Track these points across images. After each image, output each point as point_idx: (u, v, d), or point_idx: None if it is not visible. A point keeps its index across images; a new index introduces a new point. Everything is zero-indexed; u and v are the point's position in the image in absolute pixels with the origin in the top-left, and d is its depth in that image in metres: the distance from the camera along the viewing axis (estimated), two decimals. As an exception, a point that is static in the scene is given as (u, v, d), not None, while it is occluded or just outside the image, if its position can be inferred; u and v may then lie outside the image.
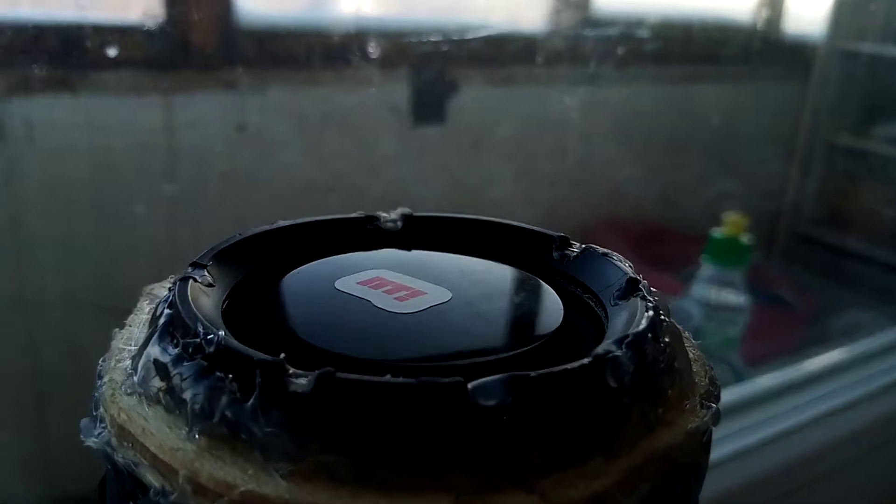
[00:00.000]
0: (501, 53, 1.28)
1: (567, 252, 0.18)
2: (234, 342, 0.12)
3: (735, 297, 0.74)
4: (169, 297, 0.14)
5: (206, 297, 0.14)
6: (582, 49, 1.35)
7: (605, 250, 0.17)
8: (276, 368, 0.11)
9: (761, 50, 1.58)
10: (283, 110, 1.08)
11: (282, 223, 0.18)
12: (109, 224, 0.98)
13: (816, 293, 1.41)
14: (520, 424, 0.11)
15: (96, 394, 0.13)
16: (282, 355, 0.12)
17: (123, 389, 0.13)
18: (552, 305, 0.16)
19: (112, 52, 0.96)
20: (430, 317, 0.15)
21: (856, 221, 1.73)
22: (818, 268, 1.69)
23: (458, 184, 1.27)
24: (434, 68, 1.23)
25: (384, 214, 0.19)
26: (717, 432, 0.47)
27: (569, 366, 0.12)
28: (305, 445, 0.11)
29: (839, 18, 1.63)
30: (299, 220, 0.18)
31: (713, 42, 1.52)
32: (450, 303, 0.15)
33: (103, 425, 0.12)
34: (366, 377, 0.11)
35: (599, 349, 0.13)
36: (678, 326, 0.16)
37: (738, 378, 0.71)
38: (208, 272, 0.15)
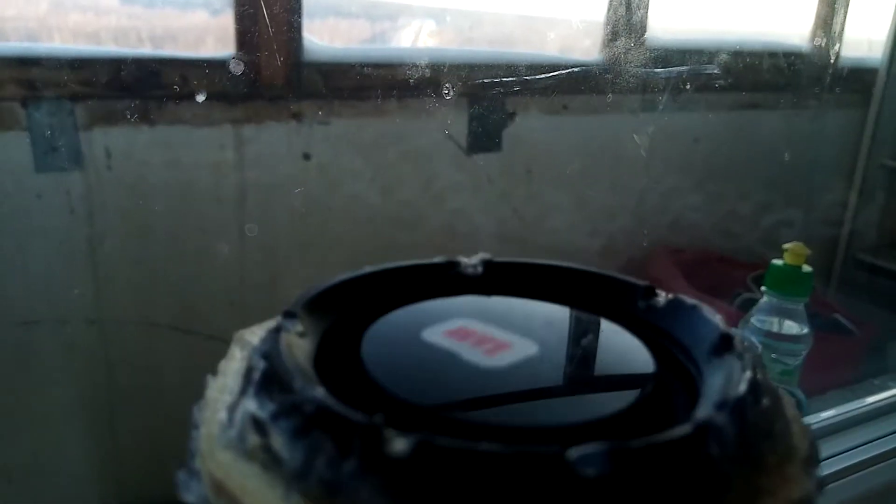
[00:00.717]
0: (556, 83, 1.27)
1: (653, 302, 0.17)
2: (332, 402, 0.12)
3: (797, 328, 0.71)
4: (263, 348, 0.14)
5: (299, 349, 0.14)
6: (635, 77, 1.34)
7: (694, 301, 0.16)
8: (375, 431, 0.11)
9: (819, 76, 1.54)
10: (346, 140, 1.10)
11: (367, 269, 0.18)
12: (182, 248, 1.01)
13: (876, 320, 1.35)
14: (621, 495, 0.11)
15: (192, 445, 0.13)
16: (380, 417, 0.11)
17: (220, 444, 0.13)
18: (642, 359, 0.15)
19: (188, 86, 0.99)
20: (520, 372, 0.14)
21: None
22: (877, 294, 1.63)
23: (517, 213, 1.26)
24: (490, 98, 1.23)
25: (465, 260, 0.19)
26: None
27: (670, 435, 0.11)
28: (405, 510, 0.11)
29: (897, 43, 1.58)
30: (383, 266, 0.18)
31: (771, 69, 1.49)
32: (537, 356, 0.15)
33: (199, 481, 0.12)
34: (464, 444, 0.11)
35: (700, 416, 0.12)
36: (774, 385, 0.15)
37: (801, 409, 0.69)
38: (300, 321, 0.15)
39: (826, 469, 0.54)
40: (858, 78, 1.61)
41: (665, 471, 0.11)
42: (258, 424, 0.12)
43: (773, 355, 0.71)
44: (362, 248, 1.11)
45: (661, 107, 1.39)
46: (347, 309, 0.16)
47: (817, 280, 1.45)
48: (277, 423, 0.12)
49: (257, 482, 0.12)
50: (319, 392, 0.12)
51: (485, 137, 1.23)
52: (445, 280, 0.18)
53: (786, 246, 0.71)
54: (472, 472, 0.11)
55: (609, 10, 1.30)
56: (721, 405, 0.12)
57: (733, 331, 0.16)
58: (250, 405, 0.13)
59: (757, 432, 0.13)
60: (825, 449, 0.56)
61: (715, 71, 1.41)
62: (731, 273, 1.38)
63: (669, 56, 1.36)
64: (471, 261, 0.19)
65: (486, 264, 0.19)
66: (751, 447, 0.12)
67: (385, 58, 1.16)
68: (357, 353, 0.15)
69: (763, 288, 0.72)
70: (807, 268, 0.70)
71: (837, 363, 1.14)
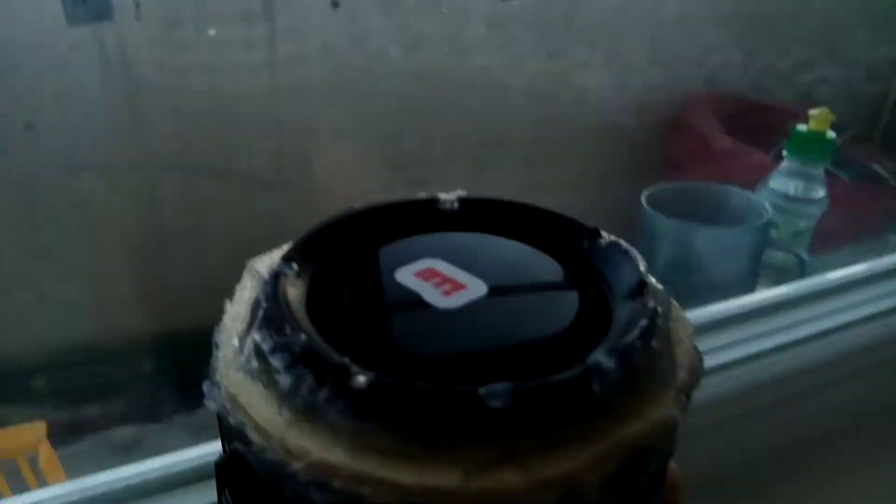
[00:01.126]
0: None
1: (596, 243, 0.20)
2: (314, 343, 0.16)
3: (813, 191, 0.73)
4: (266, 290, 0.18)
5: (293, 290, 0.18)
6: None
7: (629, 247, 0.20)
8: (343, 369, 0.15)
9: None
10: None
11: (354, 208, 0.21)
12: (217, 94, 1.03)
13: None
14: (517, 420, 0.15)
15: (213, 363, 0.18)
16: (347, 359, 0.16)
17: (234, 366, 0.17)
18: (570, 302, 0.19)
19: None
20: (467, 313, 0.18)
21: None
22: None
23: (545, 71, 1.25)
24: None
25: (444, 196, 0.22)
26: (779, 321, 0.49)
27: (561, 376, 0.15)
28: (362, 427, 0.15)
29: None
30: (369, 206, 0.21)
31: None
32: (485, 298, 0.19)
33: (219, 392, 0.17)
34: (405, 383, 0.15)
35: (590, 359, 0.16)
36: (674, 322, 0.18)
37: (803, 271, 0.72)
38: (295, 264, 0.19)
39: (818, 326, 0.58)
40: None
41: (553, 404, 0.15)
42: (260, 353, 0.17)
43: (787, 216, 0.74)
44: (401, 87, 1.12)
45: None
46: (336, 249, 0.20)
47: (863, 130, 1.41)
48: (274, 355, 0.16)
49: (259, 398, 0.16)
50: (304, 336, 0.16)
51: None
52: (425, 216, 0.22)
53: (812, 112, 0.71)
54: (411, 403, 0.15)
55: None
56: (610, 350, 0.16)
57: (650, 277, 0.19)
58: (256, 337, 0.17)
59: (640, 371, 0.16)
60: (818, 308, 0.60)
61: None
62: (770, 120, 1.36)
63: None
64: (448, 197, 0.22)
65: (462, 201, 0.22)
66: (632, 383, 0.16)
67: None
68: (339, 296, 0.19)
69: (784, 152, 0.73)
70: (830, 134, 0.71)
71: (868, 213, 1.14)
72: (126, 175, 1.03)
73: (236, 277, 0.20)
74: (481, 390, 0.15)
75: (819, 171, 0.73)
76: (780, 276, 0.76)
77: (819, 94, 0.75)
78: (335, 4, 1.07)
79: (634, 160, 1.34)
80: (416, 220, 0.22)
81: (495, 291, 0.19)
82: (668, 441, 0.17)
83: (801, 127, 0.72)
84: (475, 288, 0.19)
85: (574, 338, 0.18)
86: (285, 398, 0.16)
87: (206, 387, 0.17)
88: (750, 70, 1.43)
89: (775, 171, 0.75)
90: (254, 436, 0.16)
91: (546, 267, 0.20)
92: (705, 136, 1.37)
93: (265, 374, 0.16)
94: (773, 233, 0.75)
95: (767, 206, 0.72)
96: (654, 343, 0.17)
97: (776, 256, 0.77)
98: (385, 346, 0.18)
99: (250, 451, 0.16)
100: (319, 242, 0.20)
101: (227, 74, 1.02)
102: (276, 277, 0.18)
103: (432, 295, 0.18)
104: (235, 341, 0.18)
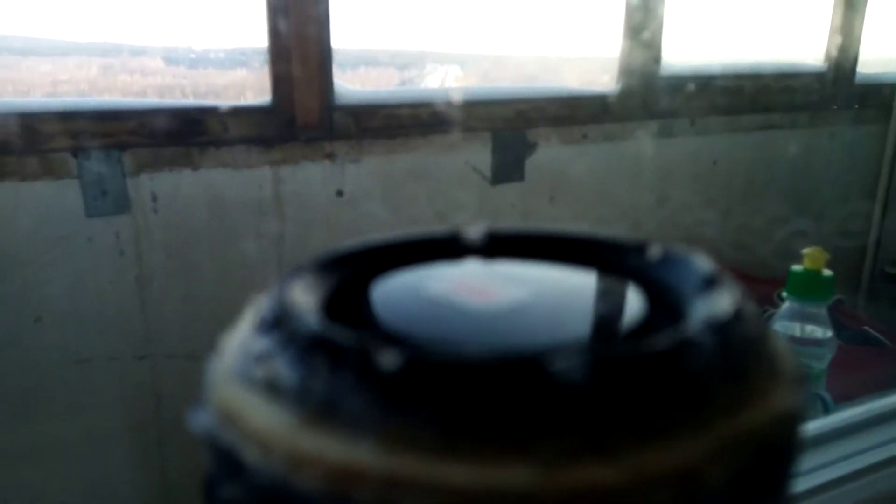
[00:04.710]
0: (576, 114, 1.28)
1: (647, 255, 0.17)
2: (326, 327, 0.12)
3: (820, 332, 0.69)
4: (272, 295, 0.14)
5: (305, 296, 0.14)
6: (654, 104, 1.34)
7: (687, 251, 0.16)
8: (364, 352, 0.11)
9: (836, 93, 1.52)
10: (377, 176, 1.11)
11: (374, 238, 0.18)
12: (226, 284, 1.02)
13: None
14: (601, 401, 0.11)
15: (204, 386, 0.14)
16: (368, 337, 0.12)
17: (229, 378, 0.13)
18: (635, 301, 0.15)
19: (228, 132, 1.02)
20: (511, 312, 0.14)
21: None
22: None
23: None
24: (513, 131, 1.24)
25: (469, 228, 0.19)
26: (805, 462, 0.43)
27: (651, 347, 0.11)
28: (395, 420, 0.11)
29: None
30: (389, 236, 0.18)
31: (786, 89, 1.48)
32: (530, 300, 0.15)
33: (209, 411, 0.13)
34: (448, 357, 0.11)
35: (681, 332, 0.12)
36: (763, 317, 0.15)
37: (827, 410, 0.66)
38: (309, 277, 0.15)
39: (850, 467, 0.52)
40: (877, 93, 1.59)
41: (644, 382, 0.11)
42: (260, 357, 0.13)
43: (798, 359, 0.70)
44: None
45: (678, 132, 1.38)
46: (354, 270, 0.17)
47: (846, 294, 1.40)
48: (278, 354, 0.12)
49: (261, 407, 0.12)
50: (315, 321, 0.12)
51: (508, 168, 1.23)
52: (450, 248, 0.19)
53: (805, 251, 0.69)
54: (461, 381, 0.11)
55: (623, 42, 1.31)
56: (704, 323, 0.12)
57: (722, 272, 0.15)
58: (254, 342, 0.13)
59: (739, 350, 0.12)
60: (849, 446, 0.54)
61: (731, 94, 1.40)
62: (755, 289, 1.35)
63: (684, 83, 1.36)
64: (474, 229, 0.19)
65: (488, 233, 0.19)
66: (733, 363, 0.12)
67: (411, 98, 1.18)
68: (358, 303, 0.15)
69: (784, 294, 0.70)
70: (827, 272, 0.69)
71: (869, 373, 1.10)
72: (132, 365, 0.98)
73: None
74: (552, 361, 0.11)
75: (822, 311, 0.70)
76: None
77: (793, 250, 0.74)
78: (340, 193, 1.09)
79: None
80: (441, 249, 0.18)
81: (541, 295, 0.15)
82: (795, 440, 0.12)
83: (797, 267, 0.70)
84: (515, 294, 0.15)
85: (647, 329, 0.14)
86: (294, 401, 0.12)
87: (190, 413, 0.13)
88: (734, 236, 1.44)
89: (777, 314, 0.72)
90: (251, 451, 0.11)
91: (597, 279, 0.17)
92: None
93: (269, 380, 0.12)
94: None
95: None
96: (749, 325, 0.13)
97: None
98: (412, 337, 0.13)
99: (246, 471, 0.11)
100: (336, 263, 0.16)
101: (237, 263, 1.02)
102: (284, 282, 0.14)
103: (466, 299, 0.15)
104: (231, 357, 0.14)
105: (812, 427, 0.56)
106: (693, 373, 0.12)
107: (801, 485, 0.50)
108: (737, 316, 0.13)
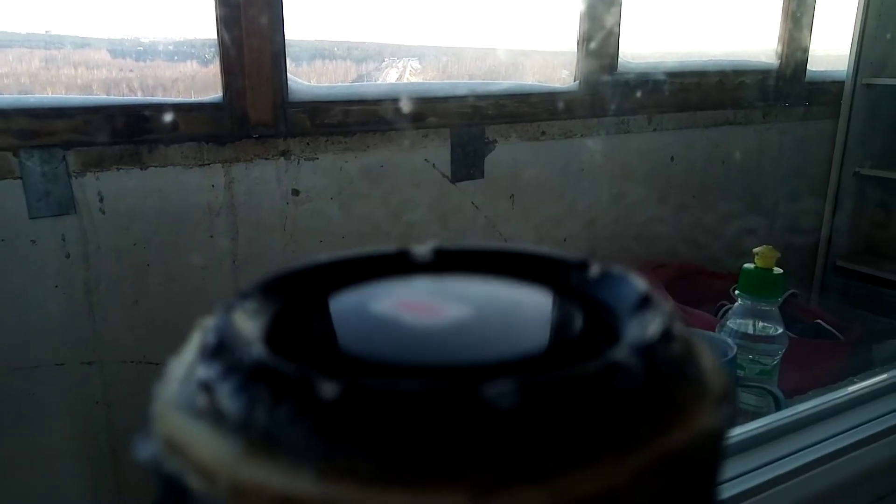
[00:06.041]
0: (534, 111, 1.30)
1: (587, 274, 0.18)
2: (268, 357, 0.13)
3: (771, 328, 0.72)
4: (215, 322, 0.14)
5: (249, 322, 0.15)
6: (611, 101, 1.36)
7: (625, 271, 0.17)
8: (306, 381, 0.12)
9: (786, 91, 1.57)
10: (333, 174, 1.11)
11: (321, 258, 0.18)
12: (178, 287, 1.01)
13: (857, 324, 1.36)
14: (530, 426, 0.12)
15: (149, 414, 0.14)
16: (309, 368, 0.12)
17: (173, 407, 0.13)
18: (569, 319, 0.16)
19: (177, 129, 1.00)
20: (453, 330, 0.15)
21: (891, 251, 1.68)
22: (857, 299, 1.64)
23: (501, 234, 1.28)
24: (472, 128, 1.25)
25: (417, 247, 0.20)
26: (758, 458, 0.45)
27: (579, 371, 0.12)
28: (334, 449, 0.11)
29: (860, 54, 1.61)
30: (337, 255, 0.19)
31: (739, 86, 1.52)
32: (472, 318, 0.16)
33: (153, 440, 0.13)
34: (386, 385, 0.12)
35: (609, 357, 0.13)
36: (692, 336, 0.16)
37: (779, 405, 0.69)
38: (253, 301, 0.16)
39: (804, 458, 0.54)
40: (826, 90, 1.64)
41: (573, 406, 0.12)
42: (204, 385, 0.13)
43: (751, 356, 0.72)
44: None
45: (635, 128, 1.41)
46: (300, 291, 0.17)
47: (799, 288, 1.45)
48: (222, 382, 0.13)
49: (205, 436, 0.12)
50: (257, 351, 0.13)
51: (468, 165, 1.24)
52: (397, 265, 0.19)
53: (756, 250, 0.72)
54: (395, 410, 0.12)
55: (580, 39, 1.33)
56: (631, 348, 0.13)
57: (655, 293, 0.16)
58: (198, 370, 0.13)
59: (666, 373, 0.13)
60: (800, 440, 0.57)
61: (684, 91, 1.44)
62: (712, 284, 1.38)
63: (641, 80, 1.39)
64: (422, 248, 0.20)
65: (436, 251, 0.20)
66: (660, 386, 0.13)
67: (368, 94, 1.17)
68: (303, 325, 0.16)
69: (736, 292, 0.73)
70: (777, 270, 0.71)
71: (822, 367, 1.14)
72: (80, 371, 0.97)
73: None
74: (484, 388, 0.12)
75: (773, 308, 0.72)
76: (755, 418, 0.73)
77: (748, 246, 0.76)
78: (295, 192, 1.09)
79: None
80: (389, 267, 0.19)
81: (483, 312, 0.16)
82: (718, 457, 0.13)
83: (749, 265, 0.72)
84: (460, 311, 0.16)
85: (580, 350, 0.15)
86: (237, 429, 0.12)
87: (137, 441, 0.13)
88: (690, 232, 1.48)
89: (731, 312, 0.74)
90: (195, 480, 0.12)
91: (539, 294, 0.17)
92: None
93: (212, 409, 0.13)
94: (741, 373, 0.72)
95: (730, 345, 0.70)
96: (676, 346, 0.14)
97: (748, 399, 0.74)
98: (357, 359, 0.14)
99: (191, 500, 0.12)
100: (281, 285, 0.17)
101: (188, 265, 1.01)
102: (227, 310, 0.15)
103: (411, 317, 0.15)
104: (176, 384, 0.14)
105: (763, 423, 0.59)
106: (620, 396, 0.12)
107: (753, 480, 0.52)
108: (665, 337, 0.14)
